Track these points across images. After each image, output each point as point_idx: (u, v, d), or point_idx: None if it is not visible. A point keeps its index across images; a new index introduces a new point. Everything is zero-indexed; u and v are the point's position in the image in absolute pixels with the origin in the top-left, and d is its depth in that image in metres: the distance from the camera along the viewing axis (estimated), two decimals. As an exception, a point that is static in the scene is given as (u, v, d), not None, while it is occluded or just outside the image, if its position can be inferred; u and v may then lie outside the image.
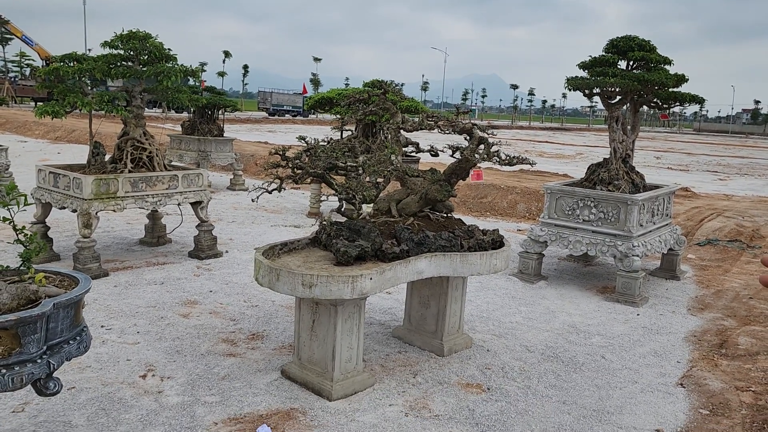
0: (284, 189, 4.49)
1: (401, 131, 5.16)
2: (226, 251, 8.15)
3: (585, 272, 8.25)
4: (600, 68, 7.16)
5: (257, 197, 4.52)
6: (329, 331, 4.28)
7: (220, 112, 14.41)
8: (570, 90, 7.36)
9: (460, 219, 5.29)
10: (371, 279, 4.01)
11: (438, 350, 5.15)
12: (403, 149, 5.46)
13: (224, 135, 14.36)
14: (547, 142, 42.41)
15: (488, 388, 4.61)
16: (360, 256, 4.32)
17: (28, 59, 55.92)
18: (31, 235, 2.80)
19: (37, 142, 22.87)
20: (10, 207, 2.82)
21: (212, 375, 4.55)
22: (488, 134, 4.80)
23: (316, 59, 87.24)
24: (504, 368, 4.98)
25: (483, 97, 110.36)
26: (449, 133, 4.99)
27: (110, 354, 4.82)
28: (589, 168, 7.78)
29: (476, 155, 4.81)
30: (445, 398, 4.40)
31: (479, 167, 5.44)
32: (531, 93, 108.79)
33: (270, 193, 4.43)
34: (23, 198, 2.80)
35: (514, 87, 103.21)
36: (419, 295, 5.35)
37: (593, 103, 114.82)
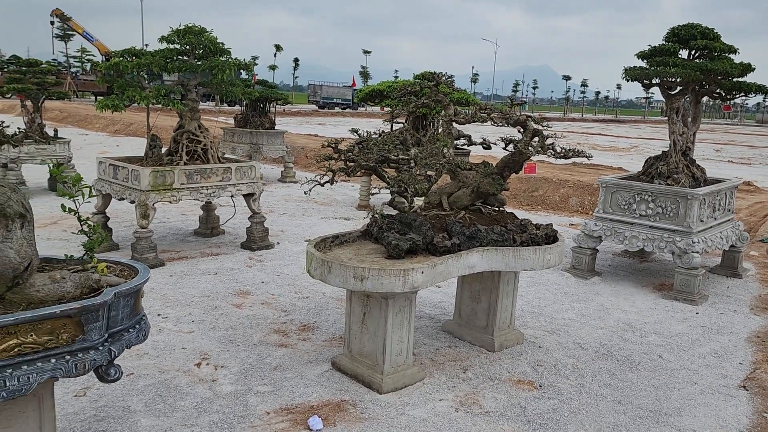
0: (336, 182, 4.50)
1: (453, 123, 5.10)
2: (278, 243, 8.26)
3: (641, 269, 8.02)
4: (660, 58, 6.91)
5: (309, 190, 4.55)
6: (380, 324, 4.28)
7: (271, 105, 14.59)
8: (628, 80, 7.13)
9: (512, 213, 5.21)
10: (422, 273, 3.99)
11: (489, 345, 5.09)
12: (455, 142, 5.40)
13: (275, 128, 14.54)
14: (600, 134, 41.39)
15: (540, 386, 4.53)
16: (411, 250, 4.30)
17: (89, 55, 57.89)
18: (94, 225, 2.88)
19: (97, 135, 23.68)
20: (75, 198, 2.91)
21: (264, 365, 4.61)
22: (543, 126, 4.70)
23: (366, 52, 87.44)
24: (556, 365, 4.88)
25: (534, 88, 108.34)
26: (502, 125, 4.91)
27: (166, 342, 4.95)
28: (646, 161, 7.54)
29: (530, 148, 4.71)
30: (496, 394, 4.35)
31: (532, 160, 5.32)
32: (584, 84, 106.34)
33: (322, 185, 4.45)
34: (88, 190, 2.88)
35: (567, 78, 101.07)
36: (470, 289, 5.29)
37: (650, 95, 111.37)
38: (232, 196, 7.59)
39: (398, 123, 10.26)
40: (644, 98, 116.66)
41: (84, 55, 58.86)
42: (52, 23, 51.70)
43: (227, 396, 4.12)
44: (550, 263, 4.70)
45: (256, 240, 7.92)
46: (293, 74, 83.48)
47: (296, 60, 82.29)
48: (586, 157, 4.69)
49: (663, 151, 7.39)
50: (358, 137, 4.51)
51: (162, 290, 6.16)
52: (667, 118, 7.27)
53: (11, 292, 2.60)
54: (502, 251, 4.53)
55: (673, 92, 7.21)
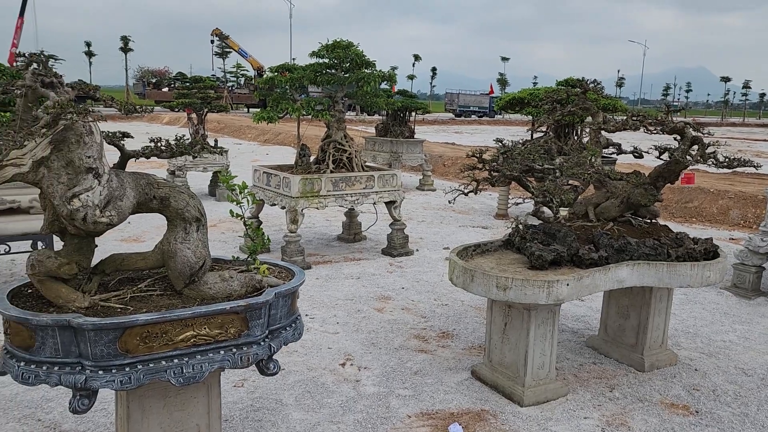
0: (480, 191, 4.51)
1: (602, 132, 4.91)
2: (417, 250, 8.40)
3: (816, 290, 7.19)
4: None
5: (453, 199, 4.59)
6: (521, 336, 4.22)
7: (411, 114, 14.87)
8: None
9: (666, 225, 4.91)
10: (568, 285, 3.88)
11: (638, 365, 4.83)
12: (603, 150, 5.20)
13: (414, 137, 14.80)
14: (765, 140, 37.63)
15: (696, 411, 4.22)
16: (555, 261, 4.20)
17: (243, 70, 62.31)
18: (258, 230, 3.13)
19: (249, 144, 25.45)
20: (241, 204, 3.17)
21: (405, 369, 4.72)
22: (703, 134, 4.39)
23: (504, 58, 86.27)
24: (715, 391, 4.52)
25: (687, 91, 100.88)
26: (656, 132, 4.65)
27: (314, 341, 5.21)
28: (825, 170, 6.76)
29: (688, 157, 4.42)
30: (646, 417, 4.11)
31: (690, 170, 4.97)
32: (746, 86, 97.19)
33: (466, 195, 4.48)
34: (251, 196, 3.13)
35: (726, 80, 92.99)
36: (617, 304, 5.05)
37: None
38: (374, 203, 7.84)
39: (539, 132, 10.03)
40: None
41: (239, 71, 63.44)
42: (212, 42, 56.33)
43: (370, 396, 4.26)
44: (710, 280, 4.37)
45: (397, 246, 8.10)
46: (431, 83, 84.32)
47: (434, 69, 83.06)
48: (754, 166, 4.32)
49: None
50: (502, 146, 4.50)
51: (309, 292, 6.50)
52: None
53: (188, 288, 2.89)
54: (654, 266, 4.28)
55: None
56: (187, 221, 2.92)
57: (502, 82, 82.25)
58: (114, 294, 2.81)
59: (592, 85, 4.83)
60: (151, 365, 2.58)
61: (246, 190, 3.11)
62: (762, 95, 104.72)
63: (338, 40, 7.70)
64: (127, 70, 54.84)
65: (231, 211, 3.17)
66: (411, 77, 73.56)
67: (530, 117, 11.38)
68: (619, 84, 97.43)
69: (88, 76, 60.71)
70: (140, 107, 3.22)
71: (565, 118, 5.46)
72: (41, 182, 2.52)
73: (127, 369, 2.54)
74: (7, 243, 5.90)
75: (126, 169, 2.91)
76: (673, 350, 5.10)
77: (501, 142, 4.53)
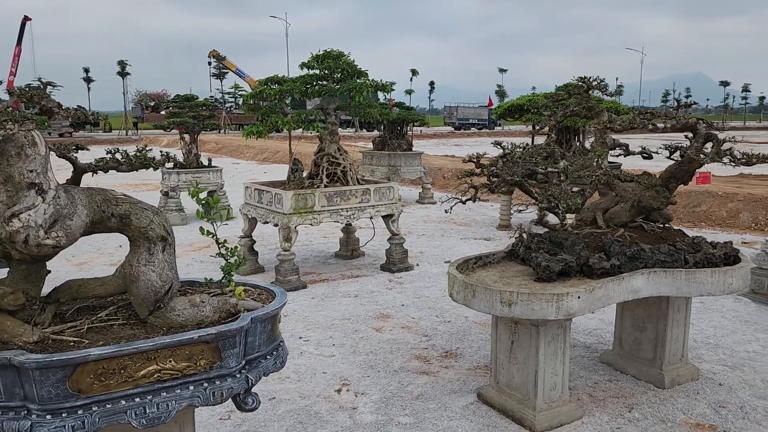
0: (479, 198, 4.19)
1: (607, 132, 4.60)
2: (417, 264, 8.06)
3: (839, 293, 6.82)
4: None
5: (451, 207, 4.27)
6: (530, 354, 3.88)
7: (408, 126, 14.61)
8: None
9: (680, 230, 4.59)
10: (579, 298, 3.55)
11: (657, 381, 4.48)
12: (609, 153, 4.88)
13: (412, 149, 14.52)
14: (766, 143, 37.29)
15: (725, 431, 3.86)
16: (563, 272, 3.87)
17: (241, 90, 62.42)
18: (232, 248, 2.82)
19: (247, 164, 25.22)
20: (213, 221, 2.86)
21: (406, 393, 4.37)
22: (717, 130, 4.08)
23: (502, 70, 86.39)
24: (743, 408, 4.16)
25: (687, 97, 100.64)
26: (666, 130, 4.34)
27: (307, 366, 4.87)
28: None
29: (702, 155, 4.11)
30: (670, 439, 3.76)
31: (705, 170, 4.67)
32: (745, 89, 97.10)
33: (464, 203, 4.17)
34: (225, 211, 2.82)
35: (725, 84, 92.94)
36: (632, 316, 4.71)
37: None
38: (371, 218, 7.53)
39: (542, 134, 9.72)
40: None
41: (237, 91, 63.55)
42: (209, 63, 56.45)
43: (368, 426, 3.92)
44: (732, 287, 4.03)
45: (396, 262, 7.78)
46: (429, 97, 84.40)
47: (432, 83, 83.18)
48: (774, 162, 3.99)
49: None
50: (501, 149, 4.19)
51: (304, 312, 6.16)
52: None
53: (153, 315, 2.57)
54: (672, 274, 3.95)
55: None
56: (152, 241, 2.61)
57: (501, 93, 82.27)
58: (69, 325, 2.50)
59: (596, 82, 4.53)
60: (108, 406, 2.25)
61: (218, 204, 2.81)
62: (762, 98, 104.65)
63: (329, 50, 7.44)
64: (125, 95, 54.88)
65: (201, 229, 2.86)
66: (409, 92, 73.54)
67: (530, 126, 11.09)
68: (618, 92, 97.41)
69: (87, 102, 60.79)
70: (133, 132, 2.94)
71: (567, 121, 5.17)
72: (-24, 202, 2.21)
73: (80, 412, 2.21)
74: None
75: (93, 186, 2.60)
76: (694, 364, 4.75)
77: (500, 144, 4.23)
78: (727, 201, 11.59)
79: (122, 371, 2.27)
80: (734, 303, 6.43)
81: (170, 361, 2.36)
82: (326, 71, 7.37)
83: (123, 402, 2.27)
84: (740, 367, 4.84)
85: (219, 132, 40.64)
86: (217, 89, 64.88)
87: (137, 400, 2.30)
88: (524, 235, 4.17)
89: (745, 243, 9.43)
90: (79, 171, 2.57)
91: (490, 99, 67.46)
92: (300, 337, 5.48)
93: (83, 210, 2.40)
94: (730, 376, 4.68)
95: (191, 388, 2.41)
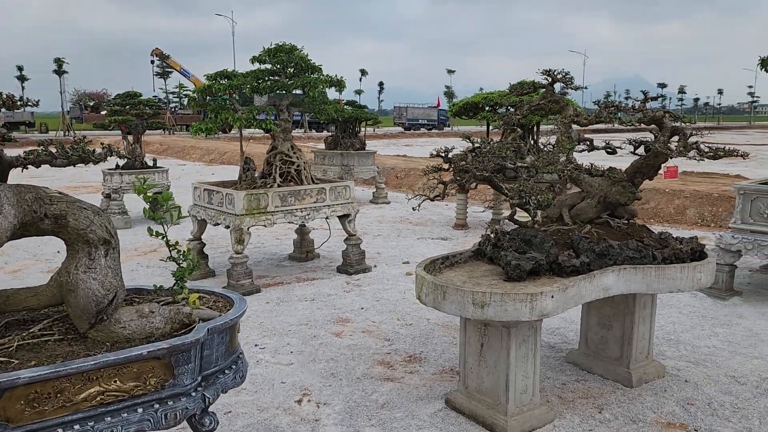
0: (446, 196, 4.02)
1: (572, 127, 4.50)
2: (375, 266, 7.86)
3: (788, 286, 6.98)
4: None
5: (418, 205, 4.08)
6: (501, 357, 3.72)
7: (361, 125, 14.39)
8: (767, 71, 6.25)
9: (645, 225, 4.53)
10: (552, 297, 3.41)
11: (625, 380, 4.40)
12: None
13: (366, 149, 14.31)
14: (703, 142, 38.73)
15: (695, 430, 3.80)
16: (533, 270, 3.74)
17: (186, 90, 60.90)
18: (185, 251, 2.54)
19: (194, 165, 24.50)
20: (163, 221, 2.58)
21: (370, 402, 4.15)
22: (684, 124, 4.03)
23: (450, 71, 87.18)
24: (711, 404, 4.12)
25: (626, 98, 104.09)
26: (631, 125, 4.27)
27: (265, 376, 4.60)
28: (791, 163, 6.57)
29: (669, 149, 4.04)
30: (643, 440, 3.66)
31: (673, 164, 4.64)
32: (681, 91, 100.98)
33: (432, 200, 3.98)
34: (177, 210, 2.55)
35: (662, 86, 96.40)
36: (598, 314, 4.63)
37: (755, 99, 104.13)
38: (327, 218, 7.28)
39: (499, 129, 9.61)
40: (748, 103, 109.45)
41: (182, 91, 61.99)
42: (152, 62, 54.90)
43: (332, 439, 3.69)
44: (701, 283, 3.98)
45: (353, 263, 7.55)
46: (378, 98, 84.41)
47: (381, 84, 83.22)
48: (741, 156, 3.96)
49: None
50: (470, 143, 4.03)
51: (259, 318, 5.87)
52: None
53: (95, 329, 2.28)
54: (642, 270, 3.86)
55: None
56: (92, 244, 2.31)
57: (449, 94, 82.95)
58: (-4, 343, 2.18)
59: (560, 75, 4.42)
60: (42, 436, 1.97)
61: (169, 202, 2.53)
62: (696, 100, 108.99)
63: (281, 43, 7.15)
64: (62, 93, 52.68)
65: (150, 230, 2.57)
66: (359, 92, 73.24)
67: (484, 126, 11.02)
68: (562, 93, 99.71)
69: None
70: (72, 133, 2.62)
71: (529, 117, 5.06)
72: None
73: (9, 444, 1.91)
74: None
75: (16, 182, 2.29)
76: (659, 361, 4.70)
77: (469, 138, 4.07)
78: (675, 198, 11.83)
79: (59, 395, 1.98)
80: (691, 298, 6.47)
81: (115, 382, 2.08)
82: (279, 66, 7.08)
83: (60, 431, 1.99)
84: (703, 363, 4.82)
85: (164, 132, 39.43)
86: (161, 89, 63.14)
87: (77, 427, 2.02)
88: (491, 234, 4.02)
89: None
90: (5, 165, 2.25)
91: (438, 100, 67.96)
92: (256, 345, 5.20)
93: (10, 210, 2.09)
94: (694, 372, 4.65)
95: (140, 410, 2.14)
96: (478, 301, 3.36)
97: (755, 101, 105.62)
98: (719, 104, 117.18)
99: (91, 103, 52.97)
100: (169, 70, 57.44)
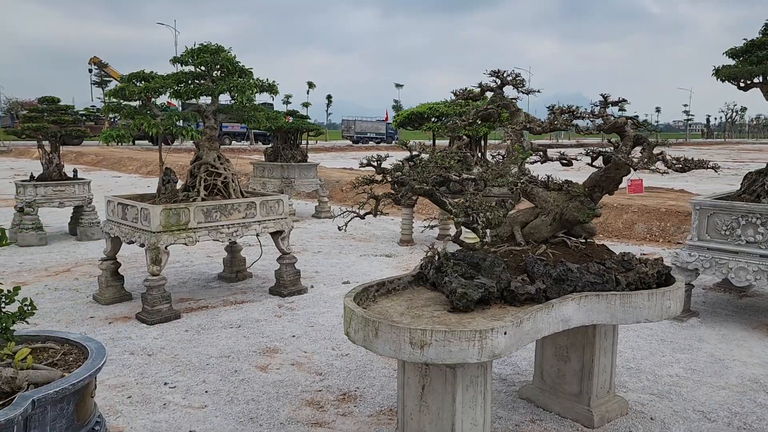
0: (380, 212, 3.44)
1: (524, 135, 4.01)
2: (311, 286, 7.22)
3: (744, 306, 6.69)
4: (764, 52, 5.72)
5: (345, 224, 3.48)
6: (445, 403, 3.15)
7: (303, 137, 13.75)
8: (722, 80, 5.96)
9: (604, 245, 4.06)
10: (506, 334, 2.86)
11: (585, 420, 3.90)
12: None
13: (308, 160, 13.67)
14: (668, 154, 39.65)
15: (666, 480, 3.31)
16: (482, 299, 3.20)
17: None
18: (10, 291, 1.87)
19: (129, 177, 23.28)
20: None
21: (293, 455, 3.52)
22: (647, 131, 3.58)
23: (398, 85, 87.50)
24: (681, 447, 3.65)
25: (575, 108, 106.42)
26: (589, 133, 3.81)
27: (171, 422, 3.89)
28: (746, 177, 6.30)
29: (632, 160, 3.59)
30: (609, 497, 3.15)
31: (636, 177, 4.20)
32: (621, 108, 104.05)
33: (362, 217, 3.40)
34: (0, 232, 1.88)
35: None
36: (554, 344, 4.13)
37: (689, 117, 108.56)
38: (257, 235, 6.60)
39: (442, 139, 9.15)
40: (683, 121, 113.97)
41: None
42: (90, 71, 52.87)
43: (242, 508, 3.03)
44: (671, 312, 3.51)
45: (287, 284, 6.89)
46: (326, 111, 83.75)
47: (329, 97, 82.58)
48: (713, 168, 3.54)
49: None
50: (408, 151, 3.47)
51: (173, 350, 5.15)
52: None
53: None
54: (605, 298, 3.37)
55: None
56: None
57: (397, 108, 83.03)
58: None
59: (510, 77, 3.93)
60: None
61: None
62: (635, 117, 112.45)
63: (205, 44, 6.48)
64: (-6, 103, 50.02)
65: None
66: (306, 104, 72.38)
67: (429, 139, 10.56)
68: (512, 99, 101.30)
69: (-55, 110, 54.91)
70: None
71: (469, 130, 4.57)
72: None
73: None
74: None
75: None
76: (621, 396, 4.23)
77: (406, 145, 3.53)
78: (623, 212, 11.63)
79: None
80: (647, 320, 6.08)
81: None
82: (203, 68, 6.41)
83: None
84: (668, 395, 4.37)
85: (101, 144, 37.66)
86: (99, 98, 60.76)
87: None
88: (435, 256, 3.46)
89: (644, 254, 9.33)
90: None
91: (386, 113, 67.83)
92: (165, 383, 4.48)
93: None
94: (659, 407, 4.19)
95: None
96: (417, 341, 2.78)
97: (690, 119, 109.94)
98: (657, 122, 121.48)
99: (24, 112, 50.51)
100: (108, 79, 55.37)
